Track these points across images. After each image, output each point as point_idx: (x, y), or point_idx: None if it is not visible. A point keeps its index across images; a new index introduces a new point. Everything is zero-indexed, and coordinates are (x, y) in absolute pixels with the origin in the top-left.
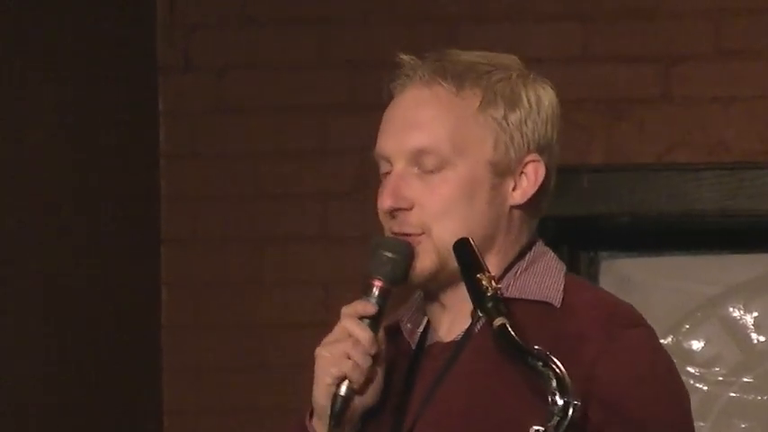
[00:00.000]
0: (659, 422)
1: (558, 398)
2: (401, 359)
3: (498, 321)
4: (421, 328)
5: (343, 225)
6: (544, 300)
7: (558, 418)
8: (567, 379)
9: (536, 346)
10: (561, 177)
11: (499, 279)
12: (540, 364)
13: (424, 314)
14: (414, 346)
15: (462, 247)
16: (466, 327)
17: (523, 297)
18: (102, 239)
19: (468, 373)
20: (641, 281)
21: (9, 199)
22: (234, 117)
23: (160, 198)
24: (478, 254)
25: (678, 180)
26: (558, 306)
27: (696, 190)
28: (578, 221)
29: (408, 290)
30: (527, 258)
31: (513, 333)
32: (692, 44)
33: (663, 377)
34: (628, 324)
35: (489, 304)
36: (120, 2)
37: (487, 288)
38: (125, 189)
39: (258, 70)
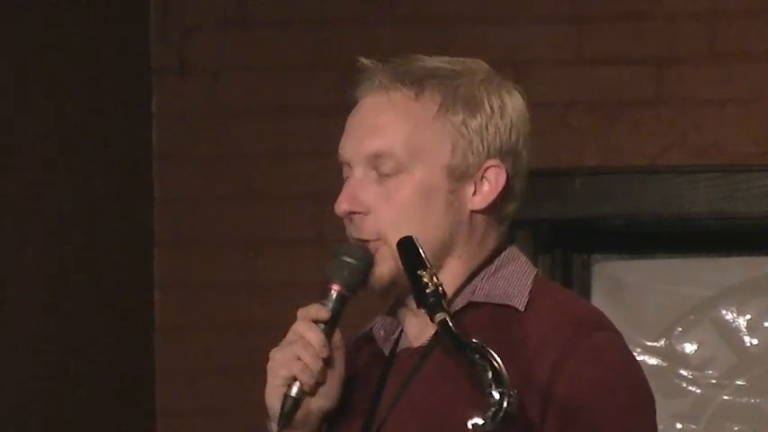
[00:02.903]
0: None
1: (493, 390)
2: (374, 365)
3: (439, 317)
4: (395, 335)
5: (337, 227)
6: (508, 303)
7: (494, 410)
8: (503, 370)
9: (474, 340)
10: (555, 179)
11: (466, 283)
12: (478, 356)
13: (399, 321)
14: (387, 353)
15: (405, 246)
16: (434, 332)
17: (489, 301)
18: (95, 241)
19: (432, 378)
20: (634, 283)
21: (2, 200)
22: (228, 119)
23: (153, 200)
24: (421, 251)
25: (672, 182)
26: (522, 310)
27: (690, 192)
28: (572, 224)
29: (381, 299)
30: (495, 263)
31: (453, 328)
32: (687, 46)
33: (624, 384)
34: (591, 328)
35: (430, 300)
36: (114, 3)
37: (427, 284)
38: (119, 190)
39: (253, 72)
